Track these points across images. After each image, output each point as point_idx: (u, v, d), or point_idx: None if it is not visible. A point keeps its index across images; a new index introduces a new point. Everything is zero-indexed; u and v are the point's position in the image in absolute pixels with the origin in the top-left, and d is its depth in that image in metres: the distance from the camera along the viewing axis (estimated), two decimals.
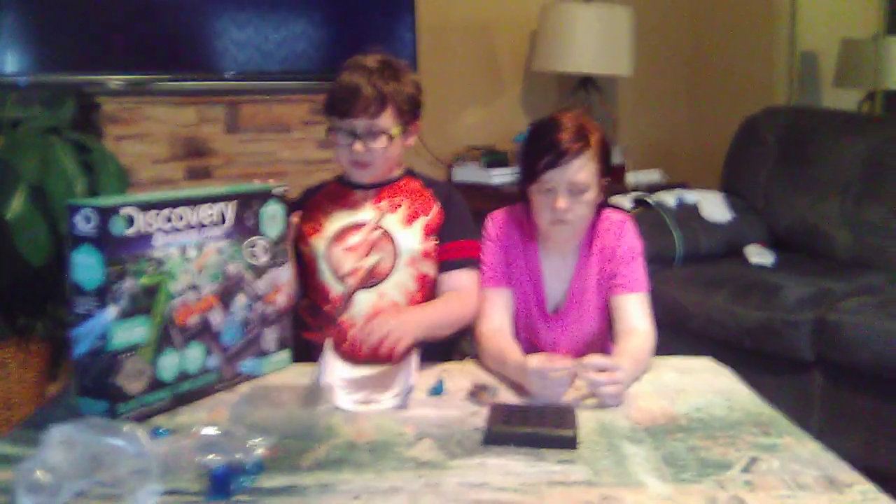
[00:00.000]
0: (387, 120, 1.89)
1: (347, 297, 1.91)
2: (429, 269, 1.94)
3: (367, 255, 1.91)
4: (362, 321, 1.86)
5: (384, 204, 1.96)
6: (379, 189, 1.98)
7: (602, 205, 1.90)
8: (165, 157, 3.00)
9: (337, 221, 1.96)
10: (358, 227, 1.94)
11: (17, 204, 2.43)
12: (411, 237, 1.93)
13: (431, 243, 1.95)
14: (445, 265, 1.95)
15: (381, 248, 1.92)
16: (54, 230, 2.46)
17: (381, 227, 1.93)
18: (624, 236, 1.91)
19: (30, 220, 2.43)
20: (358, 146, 1.88)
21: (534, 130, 1.88)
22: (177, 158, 3.02)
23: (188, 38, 3.16)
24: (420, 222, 1.95)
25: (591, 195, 1.81)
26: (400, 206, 1.96)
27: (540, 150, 1.80)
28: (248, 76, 3.22)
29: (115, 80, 2.98)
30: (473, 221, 2.01)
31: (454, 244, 1.96)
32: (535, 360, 1.61)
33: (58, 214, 2.44)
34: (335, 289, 1.92)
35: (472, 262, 1.94)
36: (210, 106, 3.08)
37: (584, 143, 1.79)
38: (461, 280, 1.93)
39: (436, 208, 1.97)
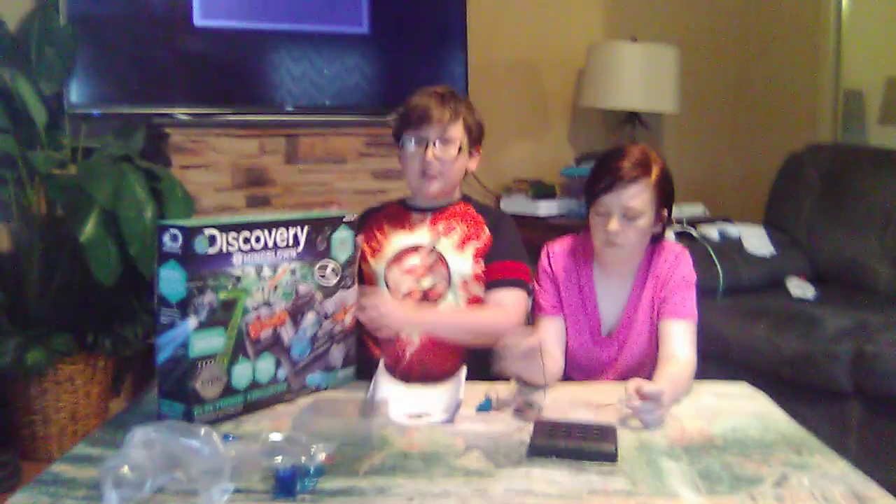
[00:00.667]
0: (457, 131, 2.00)
1: None
2: (480, 291, 2.02)
3: (423, 276, 2.00)
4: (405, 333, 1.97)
5: (440, 227, 2.05)
6: (435, 212, 2.07)
7: (661, 235, 1.99)
8: (228, 186, 3.11)
9: (396, 243, 2.04)
10: (415, 249, 2.02)
11: (90, 227, 2.56)
12: (463, 261, 2.01)
13: (482, 267, 2.02)
14: (491, 284, 2.01)
15: (436, 271, 2.00)
16: (124, 253, 2.59)
17: (436, 251, 2.02)
18: (679, 265, 1.99)
19: (102, 242, 2.56)
20: (430, 153, 1.97)
21: (600, 157, 1.99)
22: (238, 187, 3.13)
23: (250, 74, 3.29)
24: (471, 247, 2.02)
25: (645, 222, 1.90)
26: (454, 229, 2.04)
27: (601, 175, 1.91)
28: (306, 110, 3.33)
29: (182, 113, 3.09)
30: (522, 247, 2.07)
31: (501, 264, 2.01)
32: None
33: (128, 238, 2.58)
34: None
35: (518, 282, 2.01)
36: (270, 138, 3.19)
37: (642, 171, 1.88)
38: (504, 296, 1.99)
39: (486, 233, 2.04)
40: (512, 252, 2.04)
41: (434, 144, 1.98)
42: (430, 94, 2.02)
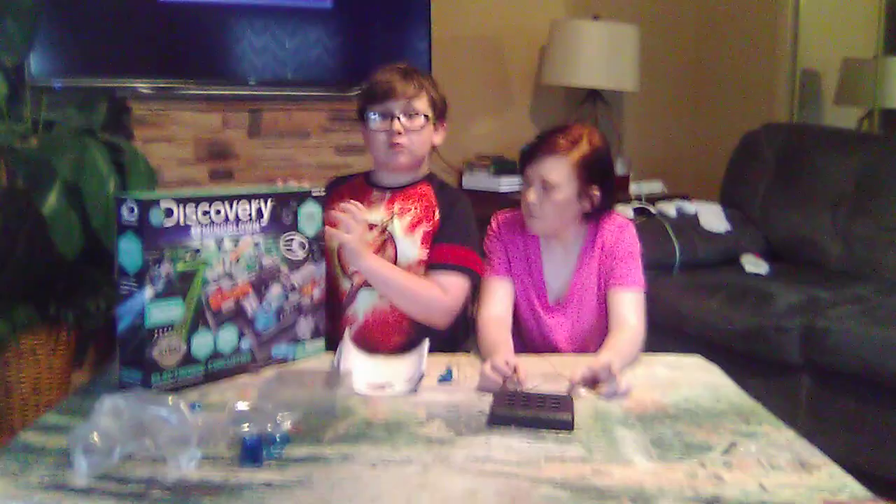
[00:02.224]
0: (422, 104, 2.02)
1: (352, 294, 2.04)
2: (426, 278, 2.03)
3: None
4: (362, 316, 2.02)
5: (396, 207, 2.07)
6: (394, 192, 2.09)
7: (604, 210, 2.03)
8: (191, 160, 3.11)
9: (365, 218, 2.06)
10: (370, 227, 2.03)
11: (52, 200, 2.55)
12: (411, 245, 2.03)
13: (427, 252, 2.03)
14: (433, 266, 2.01)
15: (385, 251, 2.03)
16: (87, 225, 2.59)
17: (387, 231, 2.04)
18: (623, 237, 2.04)
19: (65, 215, 2.55)
20: (397, 124, 1.99)
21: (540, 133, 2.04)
22: (201, 161, 3.13)
23: (213, 47, 3.28)
24: (421, 230, 2.04)
25: (562, 196, 1.94)
26: (409, 211, 2.06)
27: (531, 148, 1.97)
28: (269, 84, 3.33)
29: (145, 86, 3.08)
30: (474, 232, 2.06)
31: (447, 248, 2.01)
32: (491, 365, 1.71)
33: (91, 210, 2.58)
34: (343, 283, 2.05)
35: (461, 269, 2.00)
36: (233, 112, 3.20)
37: (566, 147, 1.93)
38: (443, 280, 1.99)
39: (437, 216, 2.06)
40: (461, 236, 2.03)
41: (399, 118, 2.00)
42: (394, 70, 2.04)
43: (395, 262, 2.01)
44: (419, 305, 1.98)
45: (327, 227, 1.89)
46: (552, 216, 1.98)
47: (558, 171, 1.93)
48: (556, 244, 2.06)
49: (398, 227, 2.04)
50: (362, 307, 2.04)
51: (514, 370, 1.69)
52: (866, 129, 4.08)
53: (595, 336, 2.04)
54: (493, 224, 2.12)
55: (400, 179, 2.10)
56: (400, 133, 2.00)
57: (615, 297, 2.00)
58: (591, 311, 2.07)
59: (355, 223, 1.88)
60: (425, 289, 1.98)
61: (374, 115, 2.03)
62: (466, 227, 2.06)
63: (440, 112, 2.08)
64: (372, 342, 1.98)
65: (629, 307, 1.98)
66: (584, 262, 2.05)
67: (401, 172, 2.09)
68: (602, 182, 1.99)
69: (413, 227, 2.04)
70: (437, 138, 2.10)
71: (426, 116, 2.03)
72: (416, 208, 2.06)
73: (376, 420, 1.54)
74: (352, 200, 1.93)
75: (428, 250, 2.03)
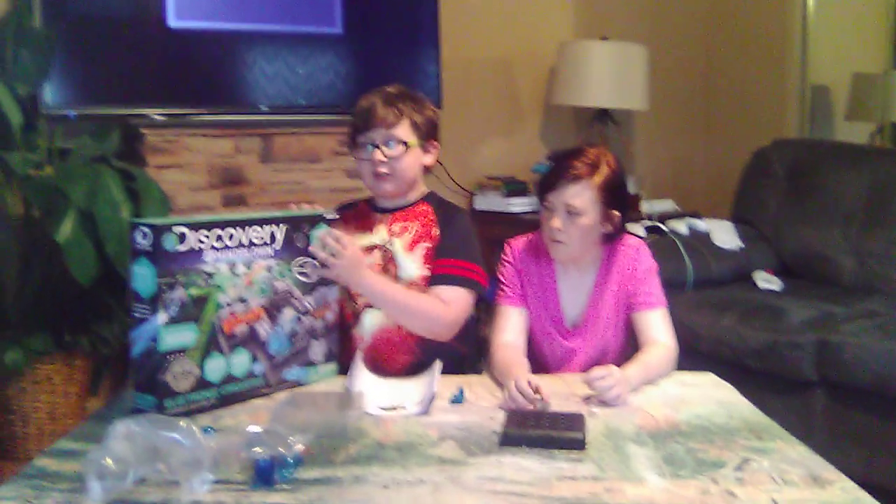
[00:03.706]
0: (403, 131, 2.02)
1: (358, 314, 2.05)
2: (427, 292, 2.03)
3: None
4: (369, 337, 2.02)
5: (396, 227, 2.08)
6: (394, 213, 2.10)
7: (619, 232, 2.03)
8: (203, 186, 3.12)
9: (357, 241, 2.08)
10: (372, 248, 2.06)
11: (67, 228, 2.57)
12: (412, 263, 2.04)
13: (430, 270, 2.03)
14: (435, 279, 2.01)
15: (386, 270, 2.04)
16: (101, 252, 2.61)
17: (388, 252, 2.05)
18: (640, 257, 2.05)
19: (80, 242, 2.57)
20: (377, 154, 2.00)
21: (551, 158, 2.04)
22: (214, 187, 3.14)
23: (225, 74, 3.31)
24: (421, 248, 2.05)
25: (587, 221, 1.94)
26: (408, 230, 2.07)
27: (550, 173, 1.97)
28: (281, 110, 3.35)
29: (157, 113, 3.10)
30: (475, 245, 2.07)
31: (447, 261, 2.02)
32: (515, 386, 1.71)
33: (105, 237, 2.60)
34: (349, 305, 2.06)
35: (462, 280, 2.01)
36: (245, 138, 3.21)
37: (587, 171, 1.93)
38: (444, 292, 1.99)
39: (436, 233, 2.06)
40: (460, 250, 2.04)
41: (380, 147, 2.01)
42: (376, 96, 2.04)
43: (396, 280, 2.02)
44: (420, 319, 1.98)
45: (317, 263, 1.88)
46: (578, 242, 1.98)
47: (583, 196, 1.93)
48: (572, 268, 2.07)
49: (398, 245, 2.05)
50: (369, 327, 2.04)
51: (537, 391, 1.69)
52: (878, 144, 4.06)
53: (615, 359, 2.03)
54: (507, 250, 2.13)
55: (397, 201, 2.11)
56: (382, 162, 2.01)
57: (642, 319, 2.02)
58: (609, 334, 2.07)
59: (341, 248, 1.86)
60: (425, 302, 1.98)
61: (359, 143, 2.04)
62: (466, 240, 2.07)
63: (426, 134, 2.07)
64: (380, 362, 1.99)
65: (658, 326, 2.00)
66: (600, 285, 2.06)
67: (390, 198, 2.10)
68: (621, 203, 2.00)
69: (413, 244, 2.05)
70: (428, 159, 2.10)
71: (406, 143, 2.02)
72: (415, 226, 2.07)
73: (388, 441, 1.55)
74: (333, 231, 1.89)
75: (429, 267, 2.04)
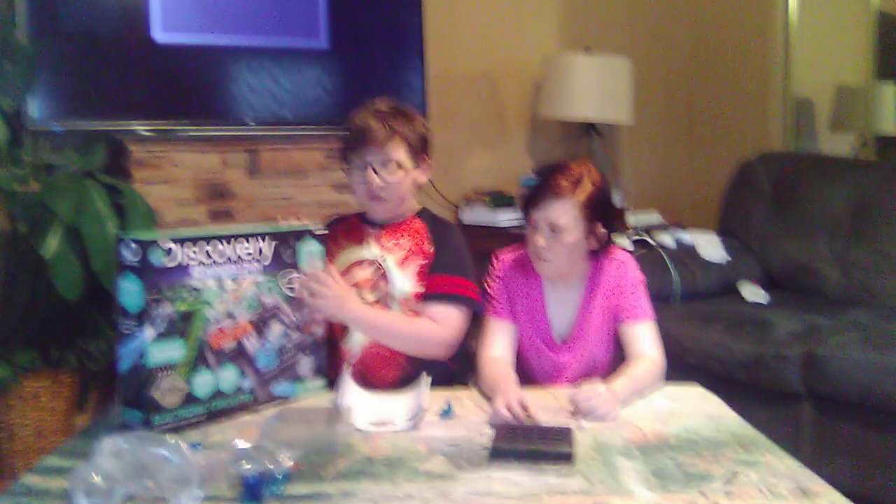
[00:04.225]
0: (398, 152, 2.01)
1: (346, 329, 2.04)
2: (420, 309, 2.03)
3: (370, 290, 2.03)
4: (359, 351, 2.02)
5: (388, 243, 2.08)
6: (387, 228, 2.10)
7: (605, 246, 2.03)
8: (190, 200, 3.12)
9: (347, 255, 2.08)
10: (363, 263, 2.06)
11: (53, 243, 2.57)
12: (405, 280, 2.04)
13: (423, 285, 2.04)
14: (429, 297, 2.02)
15: (380, 286, 2.04)
16: (87, 268, 2.60)
17: (381, 267, 2.05)
18: (627, 270, 2.06)
19: (66, 258, 2.56)
20: (373, 177, 2.00)
21: (537, 173, 2.04)
22: (200, 201, 3.14)
23: (211, 88, 3.31)
24: (414, 264, 2.05)
25: (571, 238, 1.94)
26: (400, 246, 2.07)
27: (533, 191, 1.97)
28: (267, 124, 3.35)
29: (143, 128, 3.10)
30: (468, 261, 2.08)
31: (441, 278, 2.03)
32: (502, 402, 1.71)
33: (91, 253, 2.59)
34: None
35: (457, 298, 2.01)
36: (232, 152, 3.21)
37: (570, 189, 1.93)
38: (438, 311, 2.00)
39: (430, 250, 2.07)
40: (454, 266, 2.05)
41: (375, 169, 2.00)
42: (369, 114, 2.03)
43: (390, 296, 2.02)
44: (415, 343, 1.99)
45: (301, 302, 1.87)
46: (562, 258, 1.98)
47: (566, 214, 1.93)
48: (559, 283, 2.07)
49: (391, 261, 2.05)
50: (358, 342, 2.04)
51: (526, 409, 1.70)
52: (862, 156, 4.09)
53: (604, 372, 2.03)
54: (495, 264, 2.13)
55: (389, 217, 2.11)
56: (379, 186, 2.01)
57: (629, 332, 2.02)
58: (597, 347, 2.07)
59: (326, 289, 1.86)
60: (418, 326, 1.99)
61: (353, 162, 2.04)
62: (459, 256, 2.08)
63: (419, 150, 2.07)
64: (368, 376, 1.99)
65: (644, 339, 2.01)
66: (588, 299, 2.06)
67: (383, 217, 2.10)
68: (606, 219, 2.00)
69: (405, 260, 2.06)
70: (421, 176, 2.10)
71: (401, 164, 2.02)
72: (408, 242, 2.08)
73: (377, 456, 1.55)
74: (315, 273, 1.88)
75: (422, 283, 2.04)
